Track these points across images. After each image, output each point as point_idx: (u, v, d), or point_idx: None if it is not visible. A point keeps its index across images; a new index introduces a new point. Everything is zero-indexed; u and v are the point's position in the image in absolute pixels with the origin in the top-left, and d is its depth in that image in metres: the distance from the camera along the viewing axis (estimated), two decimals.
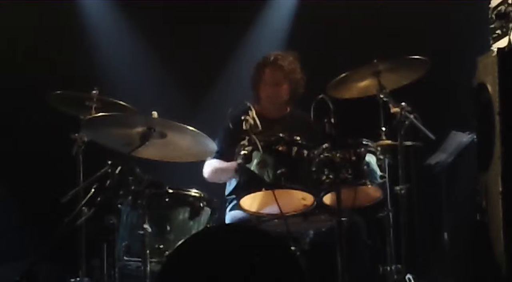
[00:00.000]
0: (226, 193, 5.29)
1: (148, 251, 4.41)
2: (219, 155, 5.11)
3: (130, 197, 4.58)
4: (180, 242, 4.27)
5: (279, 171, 4.31)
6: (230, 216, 5.13)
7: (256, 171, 4.33)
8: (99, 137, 4.55)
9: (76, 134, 5.13)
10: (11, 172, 6.12)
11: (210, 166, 5.23)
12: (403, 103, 4.63)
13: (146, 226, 4.42)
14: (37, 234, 5.63)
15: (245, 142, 4.39)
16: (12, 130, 6.14)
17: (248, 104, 4.48)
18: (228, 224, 4.99)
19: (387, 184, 4.59)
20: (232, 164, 4.70)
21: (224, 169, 5.08)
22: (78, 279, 5.11)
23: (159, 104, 4.52)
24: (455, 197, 5.80)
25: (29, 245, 5.65)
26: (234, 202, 4.95)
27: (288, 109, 5.44)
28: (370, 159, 4.46)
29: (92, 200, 4.28)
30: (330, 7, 6.16)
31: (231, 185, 5.22)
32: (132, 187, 4.54)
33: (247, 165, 4.35)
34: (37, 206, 6.03)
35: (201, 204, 4.64)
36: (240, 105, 4.55)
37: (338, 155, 4.34)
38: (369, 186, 4.46)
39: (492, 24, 4.82)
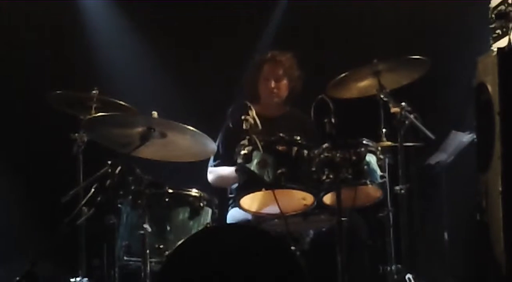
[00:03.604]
0: (229, 192, 5.30)
1: (148, 251, 4.41)
2: (221, 162, 5.17)
3: (130, 197, 4.58)
4: (180, 242, 4.27)
5: (279, 171, 4.30)
6: (230, 215, 5.14)
7: (256, 171, 4.33)
8: (99, 137, 4.55)
9: (76, 134, 5.13)
10: (11, 172, 6.12)
11: (214, 174, 5.28)
12: (403, 103, 4.64)
13: (146, 226, 4.42)
14: (37, 234, 5.64)
15: (245, 142, 4.39)
16: (12, 131, 6.13)
17: (248, 104, 4.48)
18: (228, 224, 4.99)
19: (387, 184, 4.59)
20: (233, 172, 4.73)
21: (226, 176, 5.10)
22: (78, 279, 5.10)
23: (159, 104, 4.52)
24: (455, 197, 5.80)
25: (29, 245, 5.65)
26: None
27: (287, 108, 5.45)
28: (370, 158, 4.46)
29: (92, 200, 4.28)
30: (330, 7, 6.16)
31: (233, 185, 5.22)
32: (132, 187, 4.54)
33: (247, 165, 4.35)
34: (37, 206, 6.03)
35: (201, 204, 4.64)
36: (240, 105, 4.55)
37: (338, 154, 4.35)
38: (369, 186, 4.46)
39: (492, 24, 4.81)
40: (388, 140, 4.74)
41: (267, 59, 5.35)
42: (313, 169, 4.37)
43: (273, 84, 5.31)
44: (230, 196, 5.28)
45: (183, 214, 4.60)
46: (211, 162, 5.29)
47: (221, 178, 5.21)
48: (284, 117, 5.36)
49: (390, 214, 4.73)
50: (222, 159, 5.20)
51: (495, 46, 4.71)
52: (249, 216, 4.66)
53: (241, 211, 4.53)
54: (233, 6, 6.27)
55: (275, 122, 5.08)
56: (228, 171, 5.07)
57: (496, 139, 4.51)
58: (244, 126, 4.37)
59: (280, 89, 5.34)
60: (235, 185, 5.11)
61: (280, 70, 5.31)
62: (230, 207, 5.23)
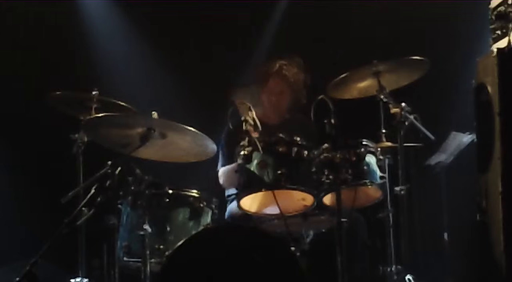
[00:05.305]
0: (226, 193, 5.31)
1: (148, 251, 4.42)
2: (225, 164, 5.22)
3: (130, 197, 4.59)
4: (180, 243, 4.27)
5: (279, 171, 4.31)
6: (229, 211, 5.15)
7: (256, 171, 4.34)
8: (99, 137, 4.55)
9: (76, 135, 5.13)
10: (11, 172, 6.12)
11: (221, 175, 5.31)
12: (403, 104, 4.64)
13: (146, 226, 4.42)
14: (37, 234, 5.63)
15: (245, 143, 4.39)
16: (12, 131, 6.13)
17: (248, 104, 4.48)
18: (228, 224, 5.00)
19: (387, 184, 4.59)
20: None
21: (229, 173, 5.11)
22: (78, 279, 5.10)
23: (159, 104, 4.52)
24: (455, 197, 5.80)
25: (29, 245, 5.65)
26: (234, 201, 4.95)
27: (288, 115, 5.46)
28: (370, 159, 4.46)
29: (92, 200, 4.28)
30: (330, 7, 6.16)
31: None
32: (132, 187, 4.56)
33: (247, 165, 4.36)
34: (37, 206, 6.03)
35: (201, 204, 4.65)
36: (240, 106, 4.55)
37: (338, 155, 4.35)
38: (369, 186, 4.47)
39: (492, 24, 4.81)
40: (388, 141, 4.74)
41: (272, 72, 5.34)
42: (313, 169, 4.38)
43: (274, 98, 5.36)
44: (228, 198, 5.28)
45: (183, 214, 4.60)
46: (219, 165, 5.32)
47: (227, 177, 5.21)
48: (284, 123, 5.38)
49: (390, 215, 4.74)
50: (225, 161, 5.21)
51: (495, 47, 4.71)
52: None
53: None
54: (233, 6, 6.27)
55: (276, 129, 5.06)
56: (230, 167, 5.08)
57: (496, 139, 4.51)
58: (244, 127, 4.38)
59: (282, 102, 5.38)
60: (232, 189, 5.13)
61: (284, 84, 5.33)
62: (228, 203, 5.24)
